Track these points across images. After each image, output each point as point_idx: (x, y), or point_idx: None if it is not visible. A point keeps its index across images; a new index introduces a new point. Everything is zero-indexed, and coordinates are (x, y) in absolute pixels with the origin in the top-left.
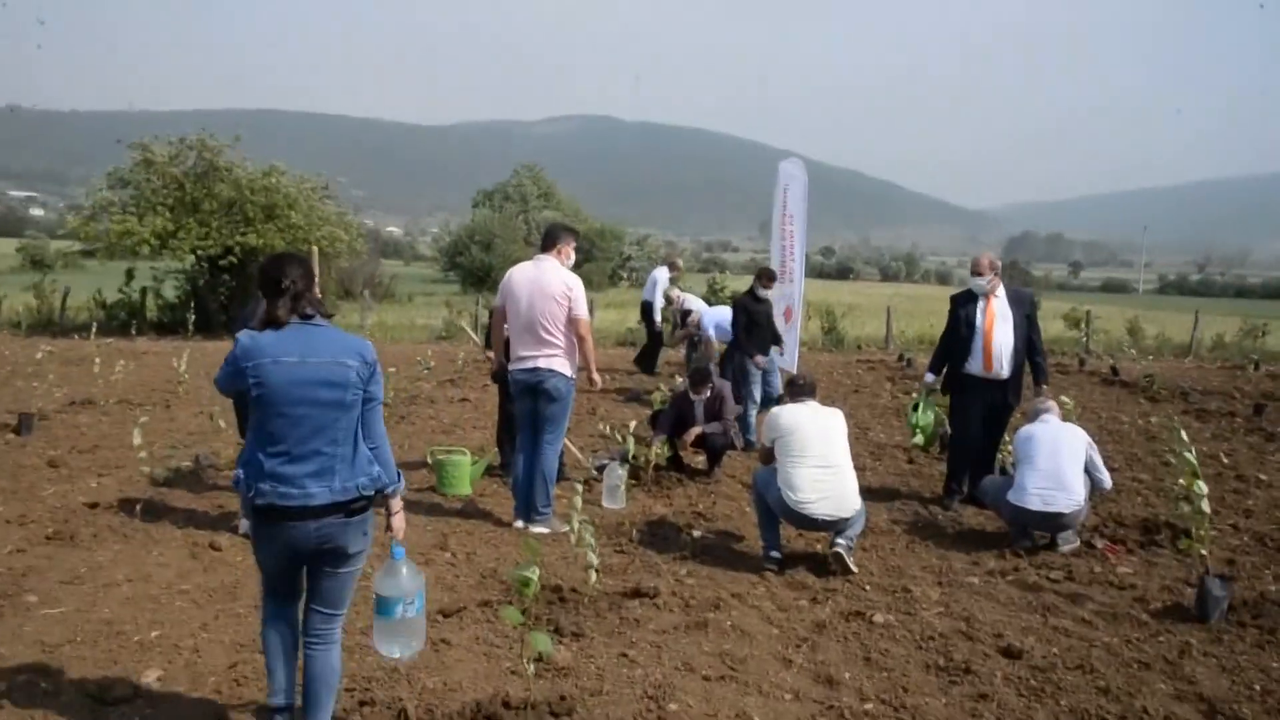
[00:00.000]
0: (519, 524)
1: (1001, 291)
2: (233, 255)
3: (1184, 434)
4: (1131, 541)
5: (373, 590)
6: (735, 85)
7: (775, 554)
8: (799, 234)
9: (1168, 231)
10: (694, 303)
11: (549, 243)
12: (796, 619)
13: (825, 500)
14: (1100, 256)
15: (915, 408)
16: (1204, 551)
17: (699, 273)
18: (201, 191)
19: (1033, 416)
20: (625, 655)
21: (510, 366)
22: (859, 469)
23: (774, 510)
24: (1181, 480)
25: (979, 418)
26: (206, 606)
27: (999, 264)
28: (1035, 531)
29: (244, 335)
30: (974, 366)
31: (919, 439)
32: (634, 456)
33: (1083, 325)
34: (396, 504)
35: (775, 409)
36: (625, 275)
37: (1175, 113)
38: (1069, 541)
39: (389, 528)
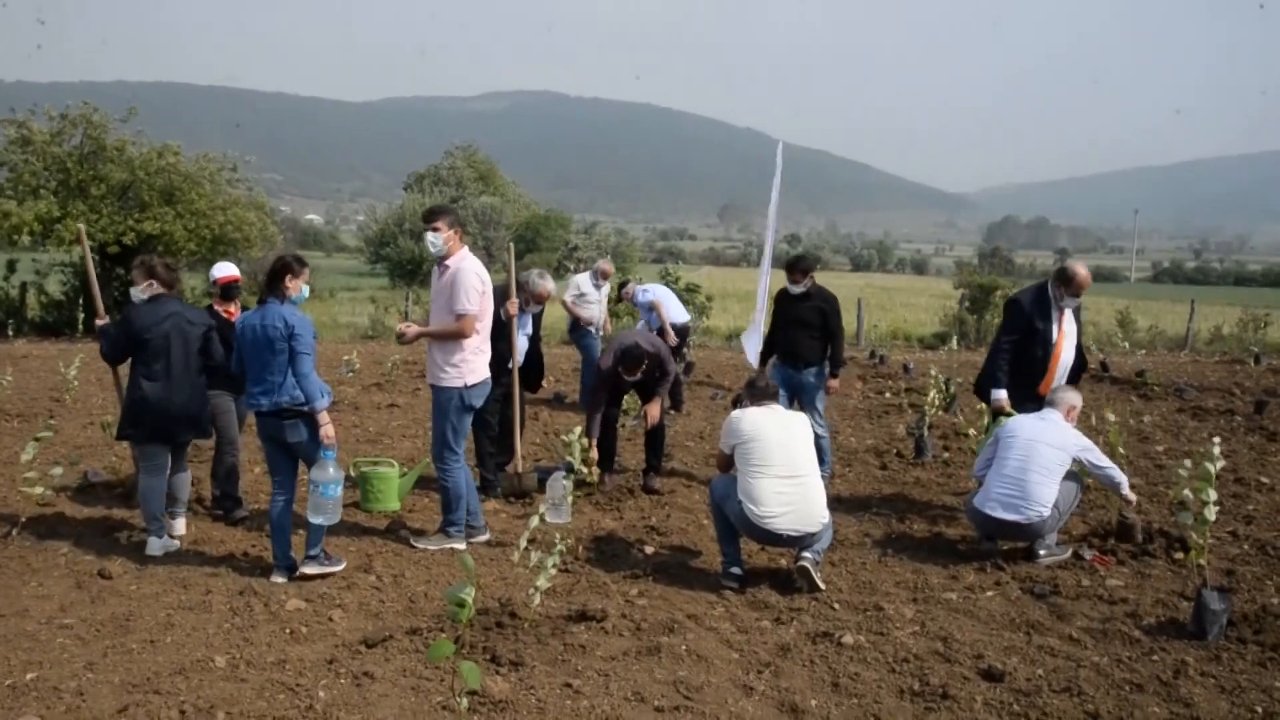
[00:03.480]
0: (462, 546)
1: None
2: (124, 241)
3: (1216, 446)
4: (1122, 552)
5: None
6: (690, 57)
7: (736, 570)
8: (773, 223)
9: (1161, 215)
10: (650, 293)
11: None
12: (758, 642)
13: (790, 514)
14: (1088, 243)
15: (986, 429)
16: (1201, 562)
17: (653, 263)
18: (89, 174)
19: (1046, 403)
20: (569, 685)
21: (487, 375)
22: (827, 475)
23: (734, 523)
24: (1187, 490)
25: None
26: (93, 642)
27: None
28: (999, 540)
29: (243, 313)
30: (1038, 382)
31: None
32: (578, 467)
33: None
34: (322, 418)
35: (735, 413)
36: (571, 267)
37: (1175, 113)
38: (1052, 552)
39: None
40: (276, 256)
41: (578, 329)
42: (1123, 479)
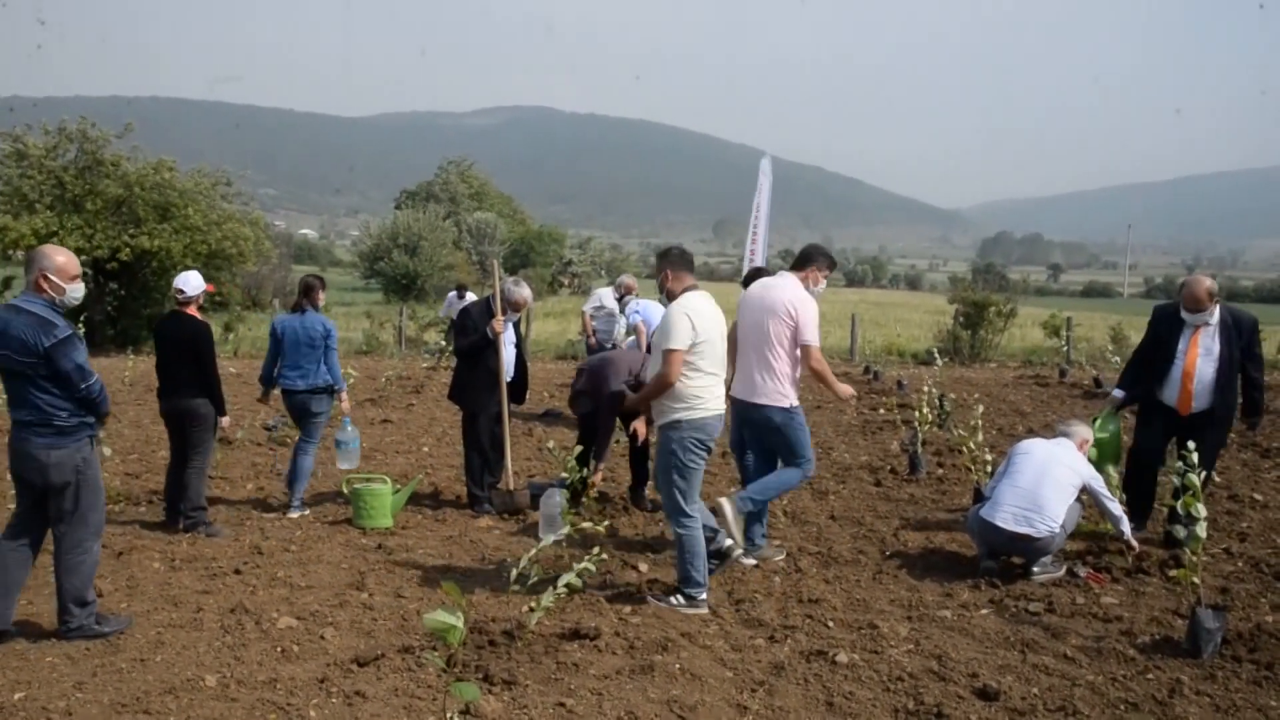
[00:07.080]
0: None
1: (1216, 319)
2: (120, 257)
3: (1194, 454)
4: (1117, 569)
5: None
6: (685, 74)
7: (702, 595)
8: (763, 237)
9: (1153, 231)
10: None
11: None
12: (752, 660)
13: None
14: (1081, 258)
15: (1094, 421)
16: (1196, 580)
17: (647, 278)
18: (84, 188)
19: (1054, 430)
20: (562, 705)
21: None
22: (821, 492)
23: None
24: (1179, 503)
25: (1161, 436)
26: (82, 662)
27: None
28: (1001, 555)
29: (278, 316)
30: (1168, 397)
31: (1093, 453)
32: (574, 481)
33: (1063, 332)
34: (343, 395)
35: (687, 304)
36: (566, 281)
37: (1175, 112)
38: (1046, 569)
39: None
40: (308, 275)
41: (592, 351)
42: (1123, 515)
